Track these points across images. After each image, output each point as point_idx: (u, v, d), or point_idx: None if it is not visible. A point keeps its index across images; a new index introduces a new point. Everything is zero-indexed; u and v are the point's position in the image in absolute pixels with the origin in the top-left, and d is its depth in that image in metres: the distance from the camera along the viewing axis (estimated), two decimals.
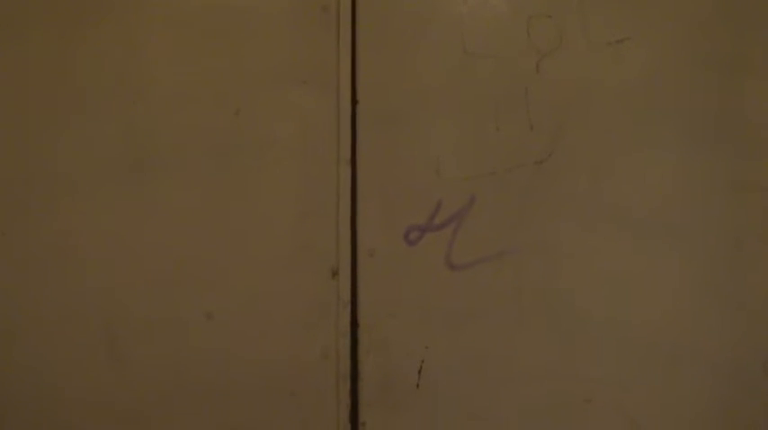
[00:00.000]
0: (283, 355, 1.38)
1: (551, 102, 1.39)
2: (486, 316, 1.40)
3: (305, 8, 1.39)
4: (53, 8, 1.35)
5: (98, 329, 1.36)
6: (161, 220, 1.36)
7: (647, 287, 1.39)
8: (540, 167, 1.39)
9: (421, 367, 1.40)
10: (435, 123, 1.40)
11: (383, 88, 1.40)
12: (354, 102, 1.40)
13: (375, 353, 1.40)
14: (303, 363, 1.39)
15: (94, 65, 1.36)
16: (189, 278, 1.37)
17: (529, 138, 1.40)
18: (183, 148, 1.37)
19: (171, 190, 1.37)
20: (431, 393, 1.40)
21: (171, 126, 1.37)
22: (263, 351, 1.38)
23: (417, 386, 1.40)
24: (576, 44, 1.39)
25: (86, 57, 1.36)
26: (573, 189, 1.39)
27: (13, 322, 1.36)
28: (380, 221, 1.40)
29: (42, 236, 1.35)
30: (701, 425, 1.40)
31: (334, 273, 1.39)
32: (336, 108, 1.39)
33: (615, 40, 1.38)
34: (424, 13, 1.40)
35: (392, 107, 1.40)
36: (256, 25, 1.38)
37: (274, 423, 1.39)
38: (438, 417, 1.41)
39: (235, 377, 1.37)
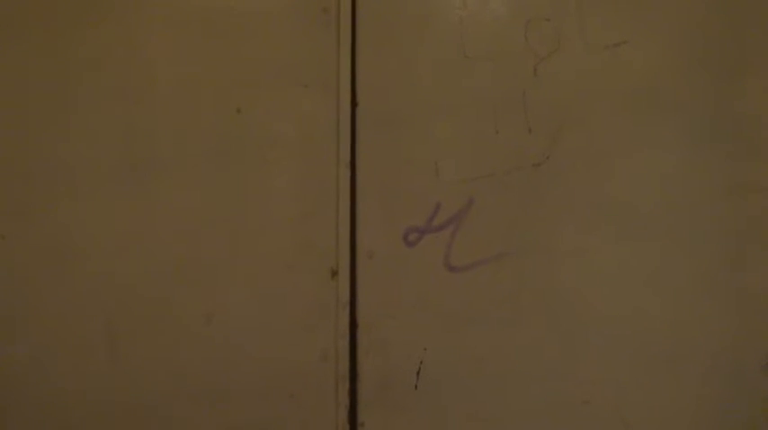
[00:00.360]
0: (283, 356, 1.38)
1: (549, 105, 1.40)
2: (484, 317, 1.40)
3: (305, 10, 1.39)
4: (53, 8, 1.34)
5: (98, 330, 1.35)
6: (160, 221, 1.36)
7: (646, 288, 1.40)
8: (537, 170, 1.40)
9: (419, 368, 1.40)
10: (434, 125, 1.40)
11: (383, 90, 1.40)
12: (354, 104, 1.40)
13: (374, 354, 1.40)
14: (302, 364, 1.39)
15: (94, 65, 1.35)
16: (188, 279, 1.36)
17: (527, 140, 1.40)
18: (183, 149, 1.36)
19: (170, 190, 1.36)
20: (429, 394, 1.40)
21: (171, 126, 1.36)
22: (263, 352, 1.37)
23: (416, 387, 1.40)
24: (574, 47, 1.40)
25: (86, 57, 1.35)
26: (571, 191, 1.40)
27: (12, 323, 1.35)
28: (380, 223, 1.40)
29: (42, 236, 1.34)
30: (700, 427, 1.41)
31: (334, 274, 1.39)
32: (336, 110, 1.39)
33: (613, 43, 1.40)
34: (424, 15, 1.41)
35: (391, 109, 1.40)
36: (257, 26, 1.38)
37: (273, 424, 1.38)
38: (436, 418, 1.41)
39: (234, 378, 1.37)
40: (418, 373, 1.40)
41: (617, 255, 1.40)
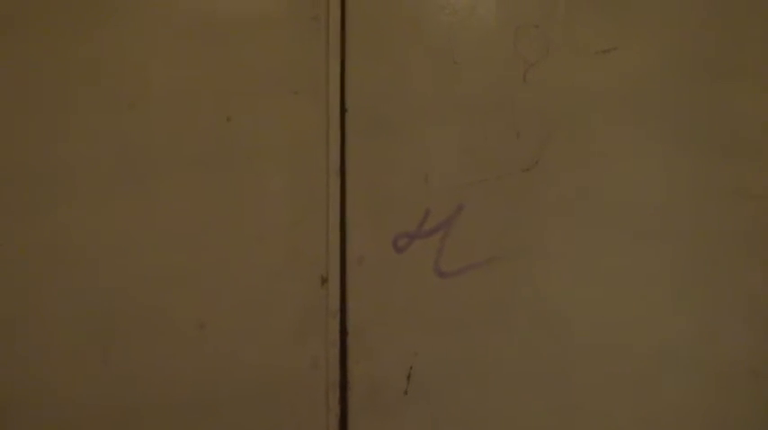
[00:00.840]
0: (273, 364, 1.38)
1: (538, 110, 1.41)
2: (474, 322, 1.41)
3: (295, 18, 1.40)
4: (52, 12, 1.33)
5: (92, 334, 1.34)
6: (151, 227, 1.35)
7: (635, 293, 1.40)
8: (526, 175, 1.41)
9: (410, 374, 1.40)
10: (423, 132, 1.41)
11: (372, 97, 1.41)
12: (343, 110, 1.40)
13: (364, 360, 1.40)
14: (293, 372, 1.38)
15: (89, 70, 1.35)
16: (181, 285, 1.36)
17: (516, 146, 1.41)
18: (174, 156, 1.36)
19: (160, 197, 1.35)
20: (419, 400, 1.40)
21: (162, 133, 1.36)
22: (254, 359, 1.37)
23: (406, 393, 1.40)
24: (563, 54, 1.40)
25: (82, 62, 1.34)
26: (560, 196, 1.41)
27: (9, 325, 1.34)
28: (369, 229, 1.40)
29: (34, 243, 1.33)
30: None
31: (324, 281, 1.39)
32: (326, 116, 1.39)
33: (602, 49, 1.40)
34: (413, 23, 1.41)
35: (381, 116, 1.41)
36: (247, 34, 1.39)
37: None
38: (427, 424, 1.41)
39: (225, 385, 1.37)
40: (408, 379, 1.40)
41: (607, 258, 1.41)
